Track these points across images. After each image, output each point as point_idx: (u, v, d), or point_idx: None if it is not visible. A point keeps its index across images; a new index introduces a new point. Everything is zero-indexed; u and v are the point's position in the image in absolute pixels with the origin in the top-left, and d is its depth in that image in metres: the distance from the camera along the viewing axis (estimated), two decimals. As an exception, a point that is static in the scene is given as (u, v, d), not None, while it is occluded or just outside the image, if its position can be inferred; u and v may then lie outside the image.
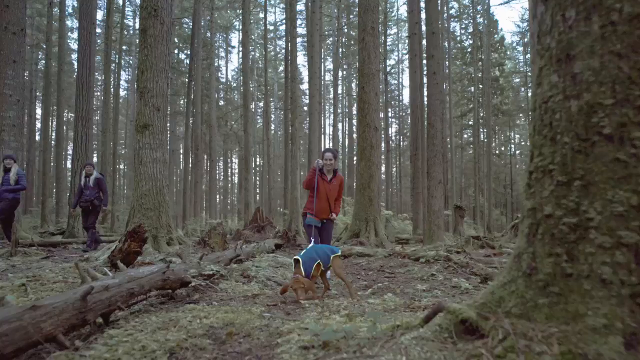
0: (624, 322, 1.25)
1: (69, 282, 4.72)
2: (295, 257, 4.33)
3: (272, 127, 38.75)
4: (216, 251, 7.15)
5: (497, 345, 1.37)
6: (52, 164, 25.22)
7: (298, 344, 1.87)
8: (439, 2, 26.73)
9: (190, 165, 25.11)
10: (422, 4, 18.96)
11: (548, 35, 1.57)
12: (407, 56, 26.71)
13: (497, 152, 34.03)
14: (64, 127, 25.76)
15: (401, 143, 36.91)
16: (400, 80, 38.85)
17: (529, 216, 1.58)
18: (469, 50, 31.27)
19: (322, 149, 6.41)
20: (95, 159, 29.21)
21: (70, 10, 30.77)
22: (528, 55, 31.77)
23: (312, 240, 5.29)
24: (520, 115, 34.71)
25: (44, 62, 27.04)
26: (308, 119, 21.57)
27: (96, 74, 21.44)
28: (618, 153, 1.34)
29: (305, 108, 32.70)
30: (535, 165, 1.58)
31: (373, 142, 10.80)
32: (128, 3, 30.79)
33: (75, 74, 33.41)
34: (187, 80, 26.22)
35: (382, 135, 33.67)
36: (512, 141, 37.24)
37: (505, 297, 1.55)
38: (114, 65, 26.93)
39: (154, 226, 8.11)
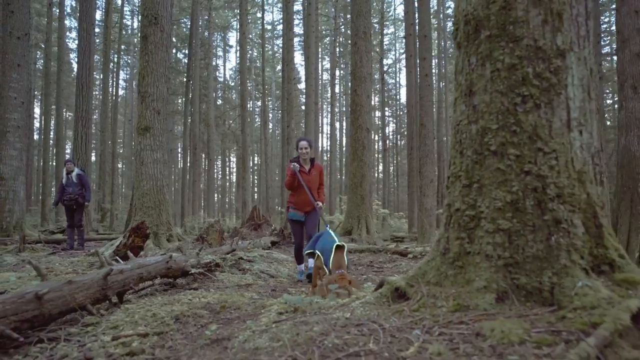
0: (497, 284, 1.80)
1: (79, 274, 5.27)
2: (309, 250, 4.39)
3: (270, 126, 39.24)
4: (214, 247, 7.69)
5: (415, 304, 1.92)
6: (51, 163, 25.72)
7: (276, 311, 2.41)
8: (435, 2, 27.20)
9: (188, 164, 25.63)
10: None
11: (460, 74, 2.11)
12: (404, 56, 27.21)
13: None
14: (63, 127, 26.24)
15: (399, 142, 37.44)
16: (398, 79, 39.39)
17: (446, 210, 2.13)
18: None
19: (297, 139, 6.00)
20: (93, 158, 29.75)
21: (68, 10, 31.21)
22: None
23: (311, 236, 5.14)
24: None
25: (42, 61, 27.56)
26: (304, 118, 22.12)
27: (94, 73, 21.90)
28: (499, 164, 1.88)
29: (303, 107, 33.19)
30: (451, 172, 2.12)
31: (365, 143, 11.34)
32: (126, 3, 31.27)
33: (74, 73, 33.81)
34: (185, 79, 26.71)
35: (380, 135, 34.24)
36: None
37: (427, 271, 2.10)
38: (112, 64, 27.46)
39: (155, 223, 8.63)
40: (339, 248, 3.95)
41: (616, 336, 1.38)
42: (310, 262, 4.77)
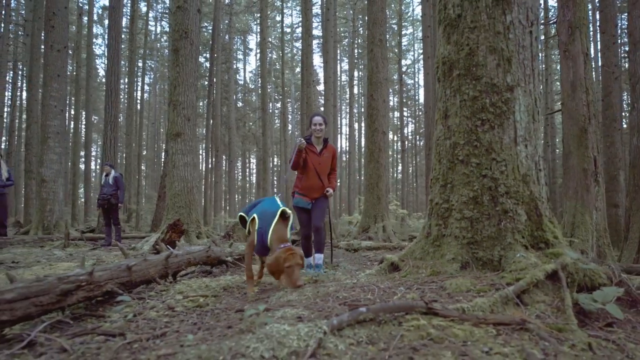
0: (462, 257, 2.51)
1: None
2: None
3: (290, 127, 40.12)
4: (240, 242, 8.51)
5: (404, 272, 2.65)
6: (80, 166, 27.13)
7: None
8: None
9: (210, 165, 26.69)
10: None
11: (439, 102, 2.83)
12: (422, 56, 27.73)
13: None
14: (91, 131, 27.63)
15: (417, 142, 37.87)
16: (417, 79, 39.82)
17: (429, 204, 2.85)
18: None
19: (311, 114, 5.25)
20: (118, 160, 31.12)
21: (95, 18, 32.72)
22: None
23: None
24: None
25: (70, 68, 29.09)
26: (323, 121, 22.86)
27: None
28: (465, 170, 2.60)
29: (322, 109, 33.92)
30: (433, 175, 2.84)
31: (381, 146, 12.03)
32: (151, 9, 32.57)
33: (99, 78, 35.19)
34: (207, 83, 27.80)
35: (399, 135, 34.74)
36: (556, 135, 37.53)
37: (415, 250, 2.82)
38: (137, 69, 28.75)
39: (185, 222, 9.50)
40: (284, 217, 3.17)
41: (532, 286, 2.09)
42: (316, 256, 4.54)
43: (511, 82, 2.56)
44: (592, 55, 16.78)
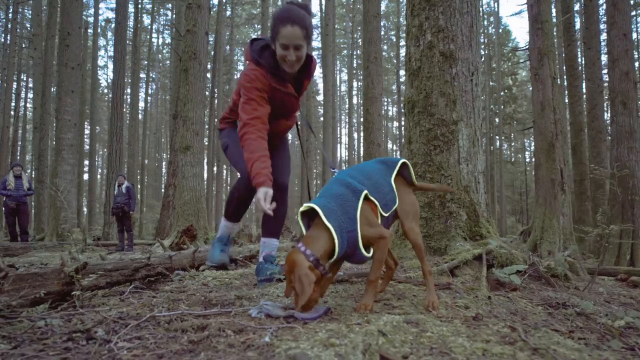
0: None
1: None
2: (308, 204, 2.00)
3: (290, 137, 41.18)
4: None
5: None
6: (84, 177, 28.15)
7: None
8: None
9: (213, 174, 27.69)
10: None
11: (406, 130, 3.81)
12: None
13: (512, 159, 35.74)
14: (96, 142, 28.68)
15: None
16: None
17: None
18: (482, 59, 33.29)
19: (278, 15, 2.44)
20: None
21: (97, 30, 33.96)
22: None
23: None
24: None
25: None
26: (322, 132, 23.89)
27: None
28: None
29: (322, 118, 34.99)
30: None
31: (376, 157, 13.02)
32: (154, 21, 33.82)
33: (102, 89, 36.15)
34: (208, 94, 28.90)
35: (398, 145, 35.76)
36: (528, 149, 38.84)
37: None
38: (141, 82, 29.89)
39: (194, 228, 10.46)
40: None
41: (462, 264, 3.05)
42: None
43: (456, 118, 3.55)
44: (581, 68, 17.81)
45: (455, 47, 3.58)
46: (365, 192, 2.02)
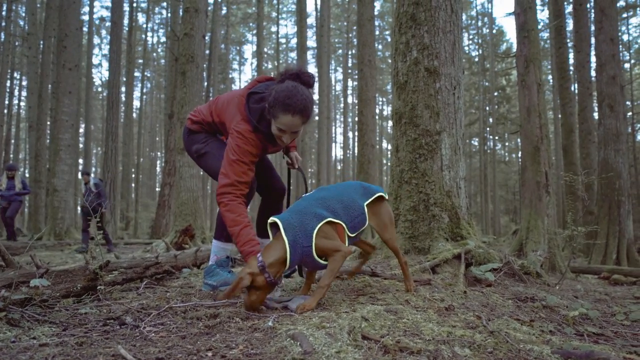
0: (405, 246, 3.83)
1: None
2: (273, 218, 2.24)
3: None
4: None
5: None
6: (79, 176, 28.31)
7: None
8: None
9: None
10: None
11: (393, 139, 4.16)
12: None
13: (506, 159, 36.25)
14: (91, 141, 28.83)
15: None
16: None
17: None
18: (476, 60, 33.74)
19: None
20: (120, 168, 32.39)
21: (92, 29, 34.08)
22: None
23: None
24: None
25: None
26: (317, 132, 24.24)
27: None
28: (408, 187, 3.92)
29: (317, 117, 35.30)
30: (388, 191, 4.16)
31: (370, 158, 13.39)
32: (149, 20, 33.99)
33: (96, 87, 36.32)
34: (203, 94, 29.15)
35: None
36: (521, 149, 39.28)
37: (376, 243, 4.13)
38: (135, 81, 30.08)
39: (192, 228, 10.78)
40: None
41: (442, 262, 3.41)
42: None
43: (439, 128, 3.90)
44: (572, 71, 18.22)
45: (439, 64, 3.94)
46: (329, 219, 2.26)
